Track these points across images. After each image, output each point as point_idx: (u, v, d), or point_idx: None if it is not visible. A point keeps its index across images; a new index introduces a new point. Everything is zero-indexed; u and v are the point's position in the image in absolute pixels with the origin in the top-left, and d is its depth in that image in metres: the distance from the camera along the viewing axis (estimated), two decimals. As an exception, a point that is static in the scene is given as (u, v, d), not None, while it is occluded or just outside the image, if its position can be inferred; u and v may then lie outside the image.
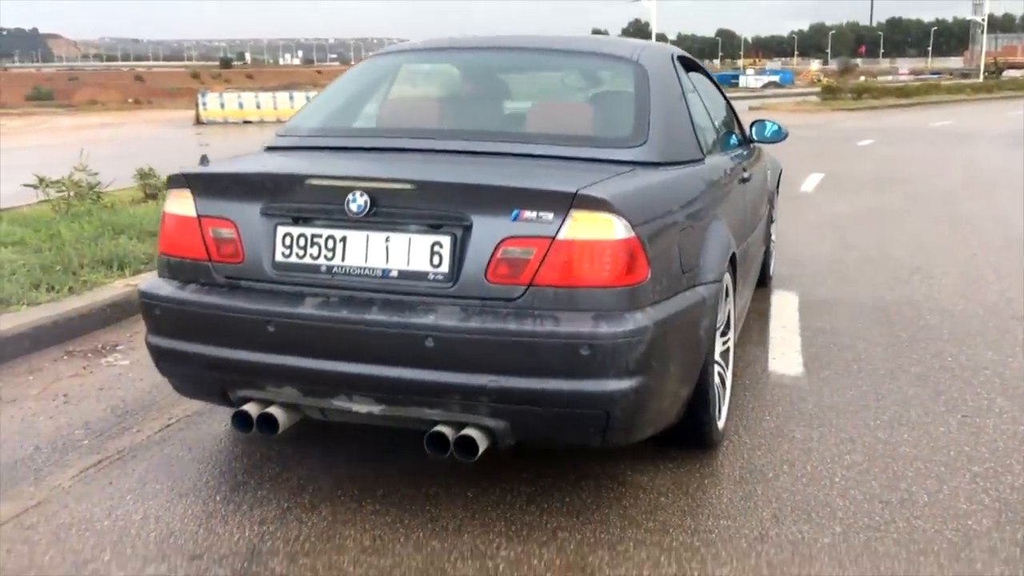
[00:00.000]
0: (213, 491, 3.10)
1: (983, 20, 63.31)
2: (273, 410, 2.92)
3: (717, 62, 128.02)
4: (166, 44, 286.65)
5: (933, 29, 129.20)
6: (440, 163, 3.13)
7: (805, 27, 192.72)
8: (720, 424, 3.42)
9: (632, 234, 2.67)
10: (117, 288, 5.16)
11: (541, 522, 2.89)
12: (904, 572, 2.62)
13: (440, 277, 2.73)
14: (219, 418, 3.71)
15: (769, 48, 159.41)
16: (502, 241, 2.68)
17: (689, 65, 4.08)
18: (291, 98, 30.44)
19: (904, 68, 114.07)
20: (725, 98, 4.70)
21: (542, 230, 2.66)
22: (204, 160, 3.24)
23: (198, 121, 30.37)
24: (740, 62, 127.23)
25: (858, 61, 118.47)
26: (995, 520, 2.91)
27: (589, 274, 2.66)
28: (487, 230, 2.69)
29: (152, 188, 8.56)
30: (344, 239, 2.82)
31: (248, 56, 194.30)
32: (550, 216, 2.66)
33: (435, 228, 2.74)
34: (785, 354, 4.59)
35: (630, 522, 2.90)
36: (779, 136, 4.81)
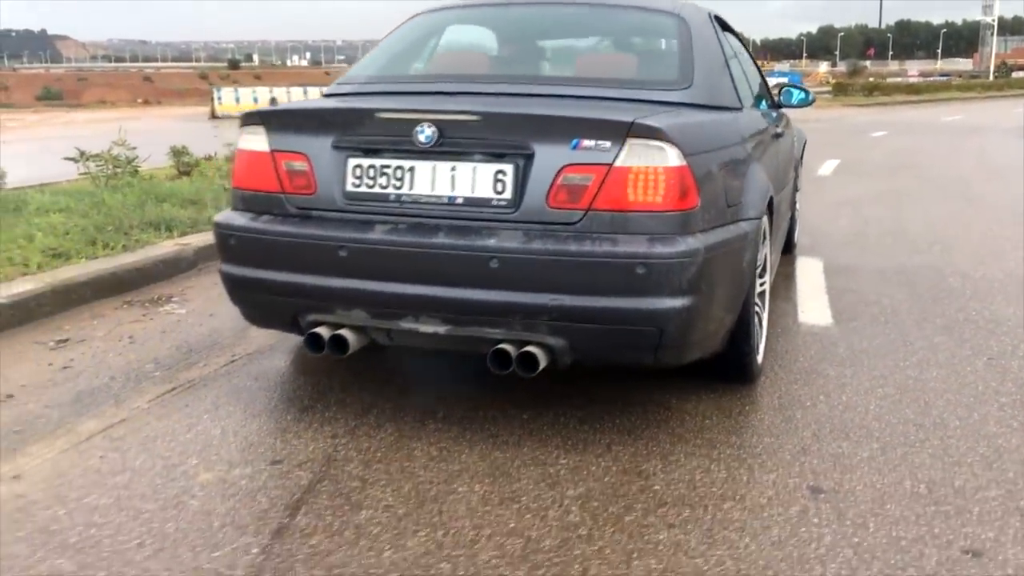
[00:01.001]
0: (283, 412, 3.29)
1: (994, 21, 63.30)
2: (343, 332, 3.10)
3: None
4: (174, 46, 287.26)
5: (942, 31, 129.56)
6: (501, 99, 3.31)
7: (814, 29, 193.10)
8: (759, 359, 3.60)
9: (684, 162, 2.86)
10: (167, 247, 5.36)
11: (595, 438, 3.08)
12: (940, 478, 2.79)
13: (503, 203, 2.91)
14: (280, 355, 3.91)
15: (778, 50, 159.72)
16: (562, 168, 2.87)
17: (724, 25, 4.27)
18: (305, 92, 30.62)
19: (913, 70, 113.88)
20: (755, 61, 4.89)
21: (600, 158, 2.85)
22: (274, 102, 3.43)
23: (213, 116, 30.62)
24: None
25: (867, 63, 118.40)
26: None
27: (644, 199, 2.84)
28: (548, 158, 2.88)
29: (185, 165, 8.76)
30: (412, 169, 3.00)
31: (256, 57, 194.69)
32: (607, 144, 2.84)
33: (498, 157, 2.93)
34: (814, 308, 4.77)
35: (678, 439, 3.08)
36: (806, 101, 5.00)
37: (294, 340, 4.02)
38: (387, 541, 2.42)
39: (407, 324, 3.04)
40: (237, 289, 3.30)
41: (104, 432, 3.11)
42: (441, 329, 3.00)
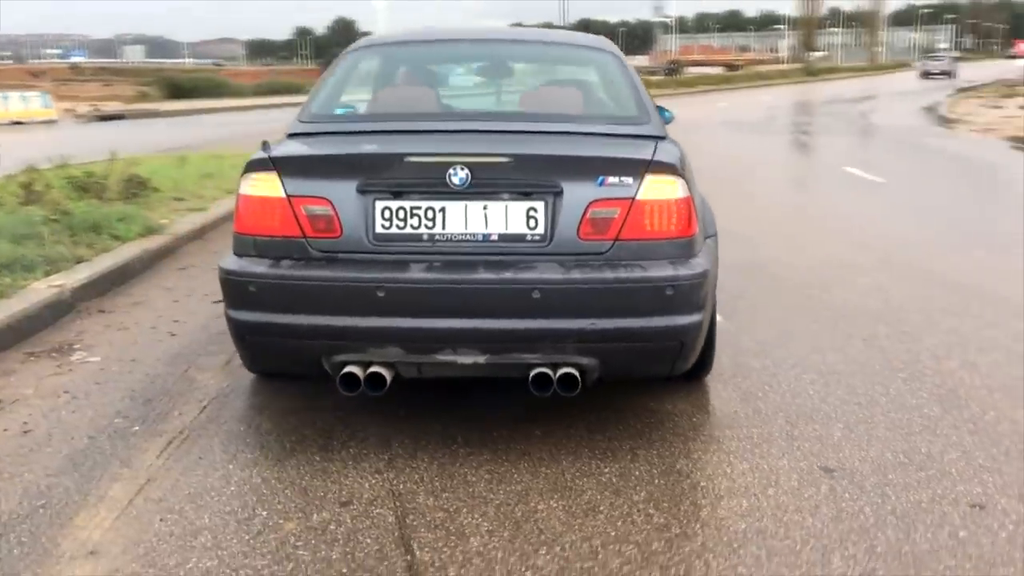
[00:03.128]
0: (305, 454, 3.32)
1: (672, 22, 68.84)
2: (378, 369, 3.19)
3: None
4: None
5: (621, 30, 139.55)
6: (509, 140, 3.49)
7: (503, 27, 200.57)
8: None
9: (688, 193, 3.24)
10: (42, 289, 5.00)
11: (617, 446, 3.39)
12: (908, 448, 3.36)
13: (537, 237, 3.15)
14: (242, 397, 3.88)
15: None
16: (590, 204, 3.15)
17: None
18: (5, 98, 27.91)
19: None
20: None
21: (624, 192, 3.16)
22: (266, 146, 3.41)
23: None
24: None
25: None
26: (941, 405, 3.75)
27: (661, 228, 3.19)
28: (576, 195, 3.15)
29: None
30: (443, 209, 3.15)
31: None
32: (630, 180, 3.16)
33: (527, 195, 3.15)
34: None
35: (685, 438, 3.46)
36: (669, 120, 5.53)
37: (249, 381, 3.99)
38: (517, 562, 2.61)
39: (444, 356, 3.18)
40: (253, 335, 3.27)
41: (141, 494, 3.01)
42: (481, 359, 3.18)
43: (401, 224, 3.16)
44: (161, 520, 2.84)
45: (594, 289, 3.10)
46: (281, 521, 2.84)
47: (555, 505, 2.94)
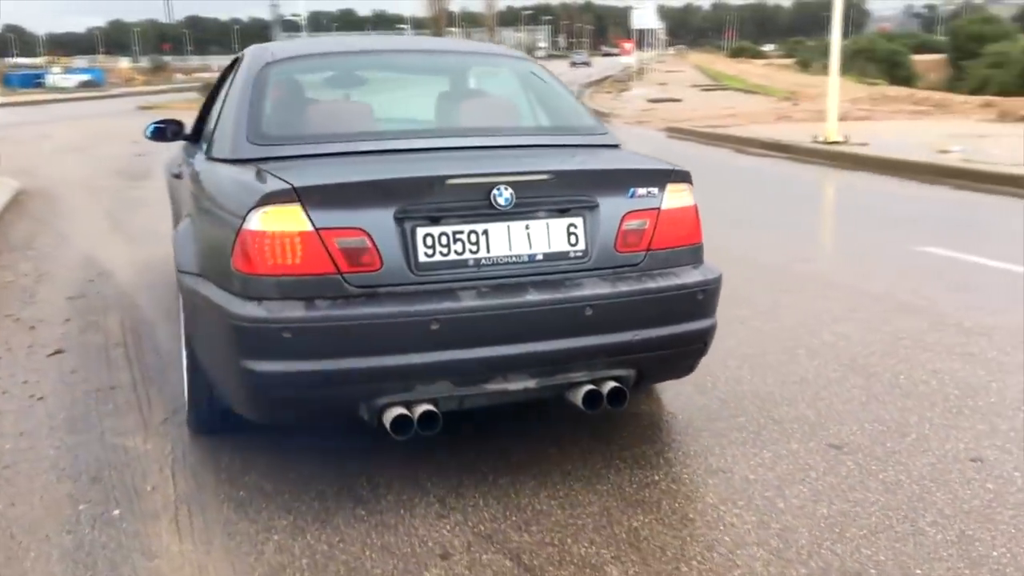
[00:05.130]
0: (347, 507, 3.03)
1: (302, 19, 68.07)
2: (428, 407, 2.97)
3: (16, 59, 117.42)
4: None
5: (235, 27, 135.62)
6: (500, 155, 3.38)
7: (103, 23, 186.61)
8: None
9: (695, 201, 3.36)
10: None
11: (630, 473, 3.43)
12: (894, 418, 3.73)
13: (579, 254, 3.11)
14: (207, 453, 3.42)
15: (69, 45, 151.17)
16: (624, 216, 3.17)
17: None
18: None
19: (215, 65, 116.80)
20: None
21: (652, 203, 3.22)
22: (259, 174, 3.03)
23: None
24: (40, 60, 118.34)
25: (168, 58, 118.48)
26: (842, 371, 4.19)
27: (681, 236, 3.30)
28: (611, 208, 3.16)
29: None
30: (486, 232, 3.01)
31: None
32: (655, 191, 3.23)
33: (564, 212, 3.10)
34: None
35: (690, 438, 3.59)
36: None
37: (193, 436, 3.54)
38: (676, 582, 2.60)
39: (494, 385, 3.05)
40: (282, 388, 2.90)
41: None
42: (532, 383, 3.08)
43: (444, 251, 2.98)
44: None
45: (640, 300, 3.13)
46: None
47: (644, 520, 2.94)
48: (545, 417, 3.69)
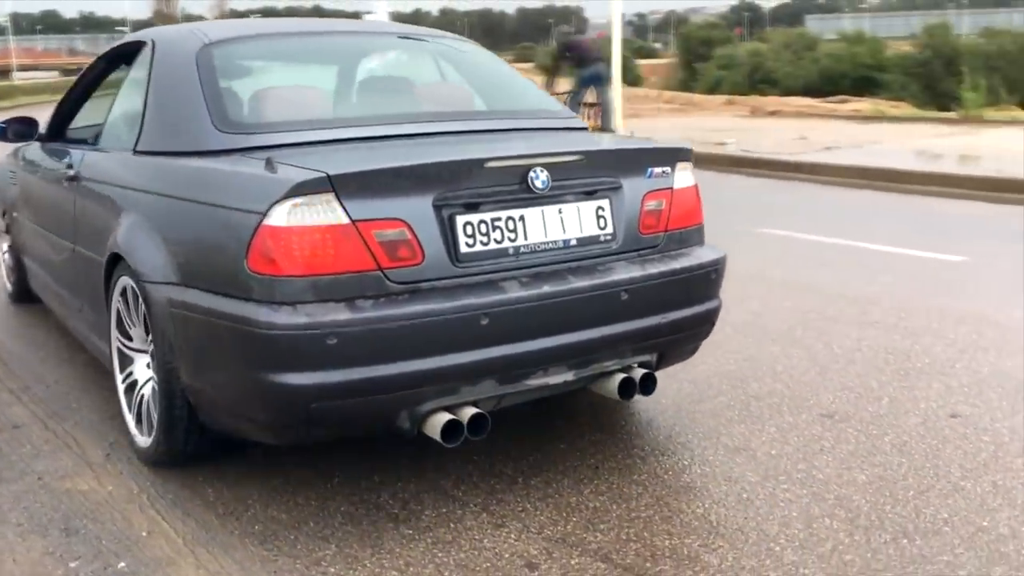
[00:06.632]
0: (388, 529, 2.73)
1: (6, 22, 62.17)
2: (475, 411, 2.75)
3: None
4: None
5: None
6: (498, 139, 3.19)
7: None
8: None
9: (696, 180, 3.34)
10: None
11: (656, 460, 3.35)
12: (892, 392, 3.86)
13: (608, 237, 2.99)
14: (184, 489, 3.00)
15: None
16: (644, 196, 3.08)
17: None
18: None
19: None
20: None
21: (665, 182, 3.16)
22: (270, 164, 2.66)
23: None
24: None
25: None
26: (780, 345, 4.33)
27: (689, 215, 3.26)
28: (633, 189, 3.06)
29: None
30: (523, 218, 2.83)
31: None
32: (668, 170, 3.16)
33: (591, 194, 2.97)
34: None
35: (695, 437, 3.44)
36: None
37: (136, 472, 3.10)
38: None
39: (535, 381, 2.88)
40: (323, 400, 2.56)
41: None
42: (570, 375, 2.94)
43: (484, 239, 2.76)
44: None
45: (670, 282, 3.06)
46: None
47: (706, 504, 2.87)
48: (526, 416, 3.51)
